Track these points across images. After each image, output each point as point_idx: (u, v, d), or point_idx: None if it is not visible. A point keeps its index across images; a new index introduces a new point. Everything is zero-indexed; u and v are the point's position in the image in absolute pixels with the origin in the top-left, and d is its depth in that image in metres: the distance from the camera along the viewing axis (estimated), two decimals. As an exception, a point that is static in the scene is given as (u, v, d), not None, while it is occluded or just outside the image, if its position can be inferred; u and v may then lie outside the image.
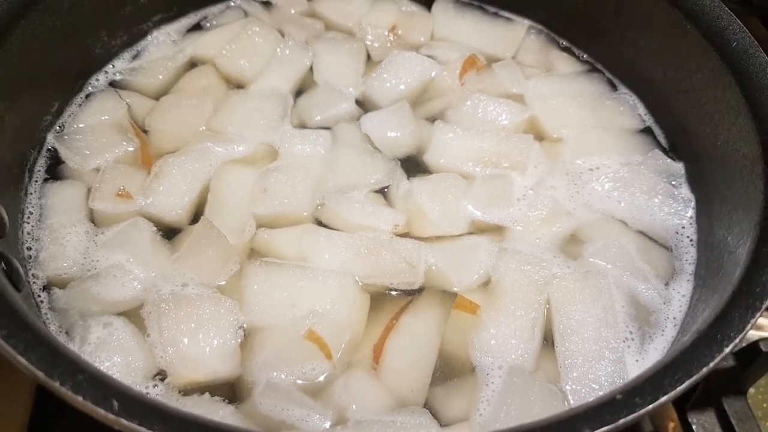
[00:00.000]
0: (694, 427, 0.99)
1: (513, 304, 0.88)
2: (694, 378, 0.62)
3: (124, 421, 0.55)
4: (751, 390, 1.05)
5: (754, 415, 0.96)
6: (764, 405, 1.09)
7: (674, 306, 0.92)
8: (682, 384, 0.61)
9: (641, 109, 1.16)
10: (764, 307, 0.68)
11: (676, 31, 1.02)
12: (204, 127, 1.07)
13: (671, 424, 1.04)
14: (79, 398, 0.56)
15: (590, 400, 0.79)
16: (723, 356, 0.64)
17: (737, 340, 0.65)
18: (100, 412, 0.55)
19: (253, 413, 0.78)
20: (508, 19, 1.29)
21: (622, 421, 0.58)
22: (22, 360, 0.58)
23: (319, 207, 0.99)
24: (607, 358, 0.83)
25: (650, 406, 0.60)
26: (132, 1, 1.15)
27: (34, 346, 0.60)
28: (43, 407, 0.91)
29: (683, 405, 0.99)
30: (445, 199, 0.99)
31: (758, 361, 0.96)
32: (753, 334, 1.17)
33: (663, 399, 0.60)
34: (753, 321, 0.67)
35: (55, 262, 0.90)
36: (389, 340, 0.86)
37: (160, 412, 0.56)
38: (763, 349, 0.95)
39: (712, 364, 0.63)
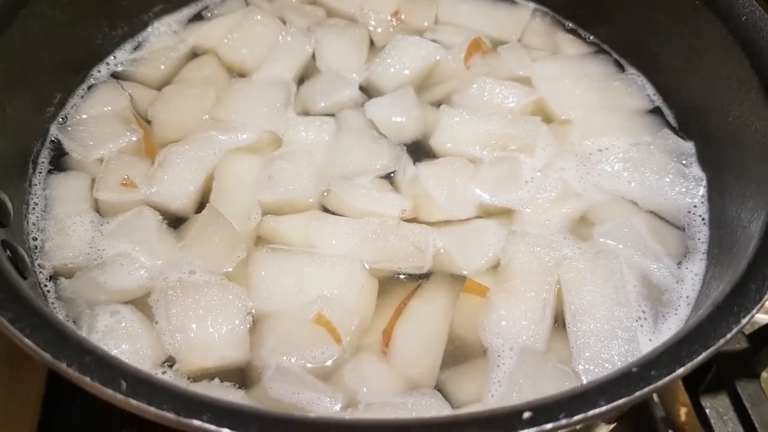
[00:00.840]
0: (707, 410, 0.98)
1: (523, 285, 0.87)
2: (711, 350, 0.61)
3: (133, 401, 0.54)
4: (764, 373, 1.04)
5: None
6: (779, 388, 1.07)
7: (687, 285, 0.91)
8: (698, 356, 0.60)
9: (650, 89, 1.14)
10: (781, 278, 0.67)
11: (682, 8, 1.00)
12: (207, 116, 1.06)
13: (683, 409, 1.03)
14: (87, 379, 0.55)
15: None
16: (740, 328, 0.62)
17: (754, 312, 0.64)
18: (109, 393, 0.55)
19: (263, 397, 0.77)
20: (513, 1, 1.28)
21: (638, 393, 0.57)
22: (29, 343, 0.58)
23: (325, 194, 0.98)
24: (620, 338, 0.82)
25: (666, 378, 0.58)
26: (132, -9, 1.15)
27: (40, 329, 0.59)
28: (54, 394, 0.91)
29: (696, 389, 0.98)
30: (452, 183, 0.98)
31: (772, 344, 0.94)
32: (765, 318, 1.16)
33: (680, 371, 0.59)
34: (771, 292, 0.66)
35: (60, 252, 0.90)
36: (398, 324, 0.85)
37: (169, 392, 0.55)
38: (777, 331, 0.94)
39: (729, 335, 0.62)
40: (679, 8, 1.02)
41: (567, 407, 0.56)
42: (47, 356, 0.57)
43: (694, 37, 1.01)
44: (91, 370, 0.56)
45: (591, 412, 0.56)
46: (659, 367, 0.59)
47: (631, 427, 1.05)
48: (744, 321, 0.63)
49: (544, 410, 0.56)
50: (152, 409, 0.54)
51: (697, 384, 0.97)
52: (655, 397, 1.08)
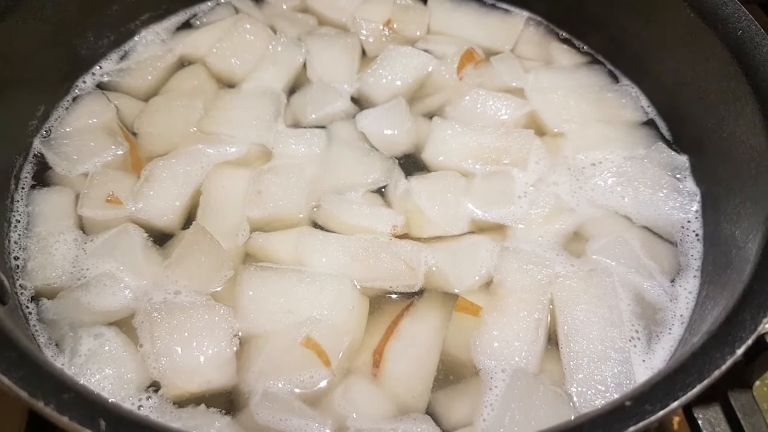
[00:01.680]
0: (699, 422, 0.96)
1: (516, 304, 0.86)
2: (706, 382, 0.60)
3: (111, 442, 0.53)
4: (757, 383, 1.03)
5: (760, 408, 0.94)
6: (771, 398, 1.07)
7: (681, 303, 0.90)
8: (693, 389, 0.59)
9: (644, 101, 1.13)
10: (777, 306, 0.66)
11: (678, 20, 0.99)
12: (195, 129, 1.04)
13: (676, 419, 1.02)
14: (65, 419, 0.54)
15: (597, 402, 0.78)
16: (735, 359, 0.61)
17: (749, 342, 0.63)
18: (87, 433, 0.53)
19: (250, 424, 0.76)
20: (506, 10, 1.26)
21: (631, 429, 0.56)
22: (5, 380, 0.56)
23: (315, 209, 0.96)
24: (613, 359, 0.81)
25: (661, 413, 0.57)
26: (119, -1, 1.12)
27: (18, 364, 0.58)
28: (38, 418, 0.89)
29: (688, 399, 0.97)
30: (444, 198, 0.97)
31: (765, 354, 0.93)
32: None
33: (674, 405, 0.58)
34: (766, 320, 0.64)
35: (43, 271, 0.88)
36: (389, 344, 0.84)
37: (149, 431, 0.54)
38: (770, 341, 0.92)
39: (724, 367, 0.61)
40: (674, 20, 1.00)
41: (559, 444, 0.55)
42: (24, 394, 0.55)
43: (689, 50, 0.99)
44: (70, 408, 0.54)
45: (583, 450, 0.54)
46: (653, 400, 0.58)
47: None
48: (739, 352, 0.62)
49: (536, 448, 0.54)
50: (131, 450, 0.52)
51: (689, 395, 0.95)
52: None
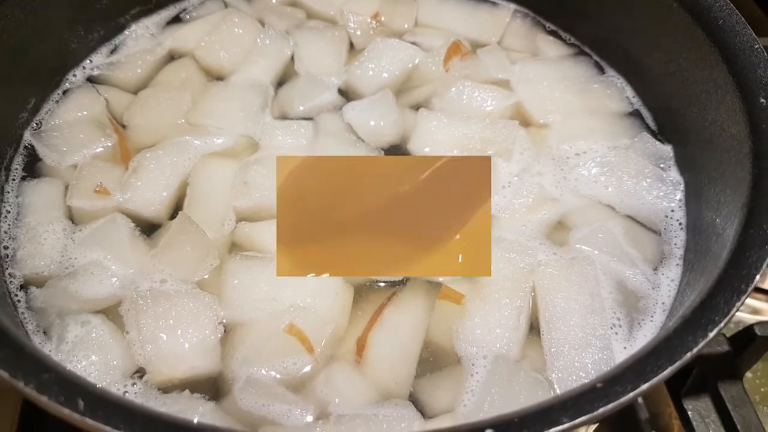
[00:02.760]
0: (689, 413, 0.97)
1: (498, 292, 0.86)
2: (677, 364, 0.60)
3: (89, 421, 0.54)
4: (748, 374, 1.04)
5: (750, 399, 0.95)
6: (761, 389, 1.08)
7: (663, 291, 0.90)
8: (664, 371, 0.60)
9: (629, 92, 1.14)
10: (750, 290, 0.66)
11: (661, 11, 1.00)
12: (183, 120, 1.05)
13: (668, 410, 1.03)
14: (44, 398, 0.55)
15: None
16: (707, 341, 0.62)
17: (722, 325, 0.63)
18: (65, 412, 0.54)
19: (234, 409, 0.77)
20: (493, 3, 1.27)
21: (601, 410, 0.57)
22: (-15, 361, 0.57)
23: (301, 199, 0.97)
24: (594, 346, 0.82)
25: (631, 394, 0.58)
26: (108, -7, 1.13)
27: (-1, 346, 0.59)
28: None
29: (678, 391, 0.98)
30: (429, 188, 0.98)
31: (754, 346, 0.94)
32: (748, 318, 1.16)
33: (644, 387, 0.59)
34: (739, 305, 0.65)
35: (32, 260, 0.89)
36: (373, 332, 0.84)
37: (127, 411, 0.55)
38: (759, 333, 0.93)
39: (695, 350, 0.61)
40: (657, 11, 1.01)
41: (529, 424, 0.56)
42: (4, 374, 0.56)
43: (672, 40, 1.00)
44: (49, 388, 0.55)
45: (553, 429, 0.55)
46: (624, 382, 0.59)
47: (614, 428, 1.05)
48: (711, 335, 0.62)
49: (506, 427, 0.55)
50: (109, 429, 0.53)
51: (679, 387, 0.96)
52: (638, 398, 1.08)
